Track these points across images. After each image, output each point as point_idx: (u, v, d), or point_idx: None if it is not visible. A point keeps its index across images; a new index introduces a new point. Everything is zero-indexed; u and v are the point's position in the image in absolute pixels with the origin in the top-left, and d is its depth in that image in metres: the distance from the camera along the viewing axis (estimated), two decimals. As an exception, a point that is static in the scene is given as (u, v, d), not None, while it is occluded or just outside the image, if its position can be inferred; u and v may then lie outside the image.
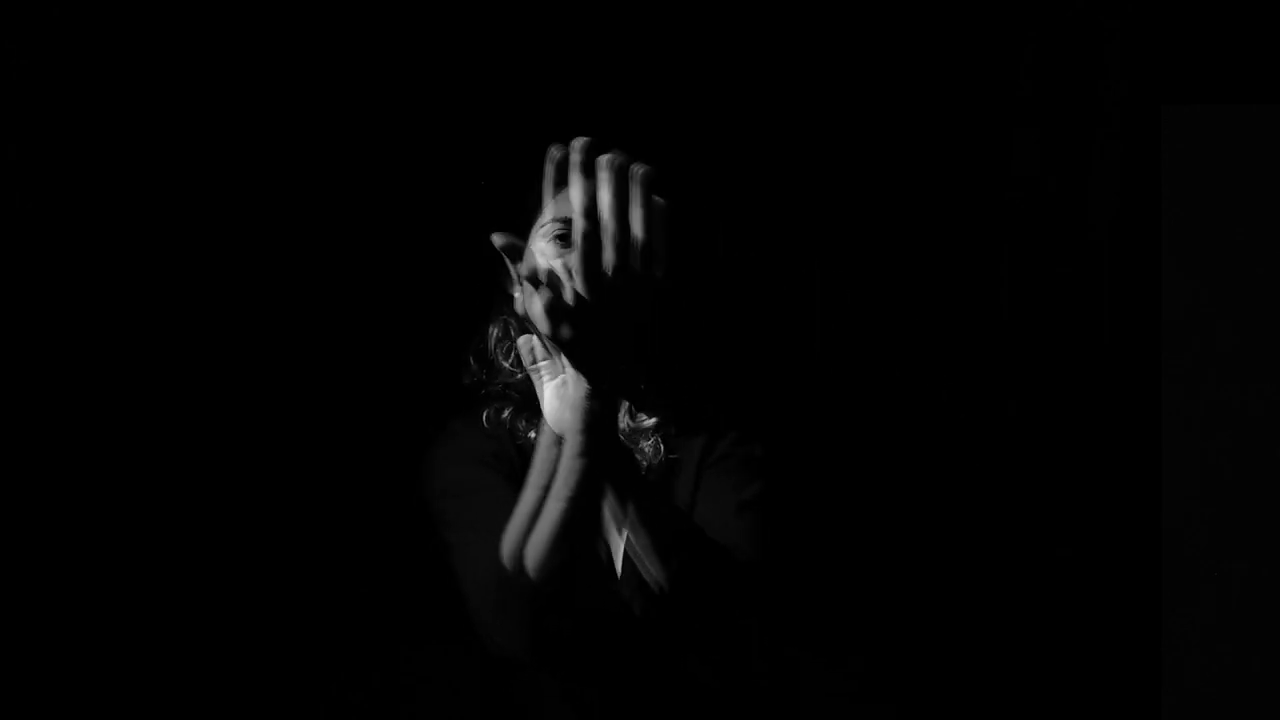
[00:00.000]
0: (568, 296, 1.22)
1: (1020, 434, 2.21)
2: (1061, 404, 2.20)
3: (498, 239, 1.24)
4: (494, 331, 1.60)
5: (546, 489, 1.36)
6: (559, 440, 1.35)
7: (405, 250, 2.16)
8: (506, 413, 1.58)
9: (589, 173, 1.20)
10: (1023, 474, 2.20)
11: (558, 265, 1.23)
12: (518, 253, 1.23)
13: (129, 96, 2.19)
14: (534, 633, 1.37)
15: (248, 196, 2.21)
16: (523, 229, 1.56)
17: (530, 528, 1.36)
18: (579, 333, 1.23)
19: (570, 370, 1.29)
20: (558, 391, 1.37)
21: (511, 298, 1.57)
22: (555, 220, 1.49)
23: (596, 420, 1.30)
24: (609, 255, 1.21)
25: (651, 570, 1.40)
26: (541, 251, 1.51)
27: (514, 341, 1.57)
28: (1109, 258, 2.19)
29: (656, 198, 1.23)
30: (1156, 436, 2.16)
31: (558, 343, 1.25)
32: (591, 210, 1.20)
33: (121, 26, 2.17)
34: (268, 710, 2.20)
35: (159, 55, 2.19)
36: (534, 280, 1.22)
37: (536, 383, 1.39)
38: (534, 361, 1.39)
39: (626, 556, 1.47)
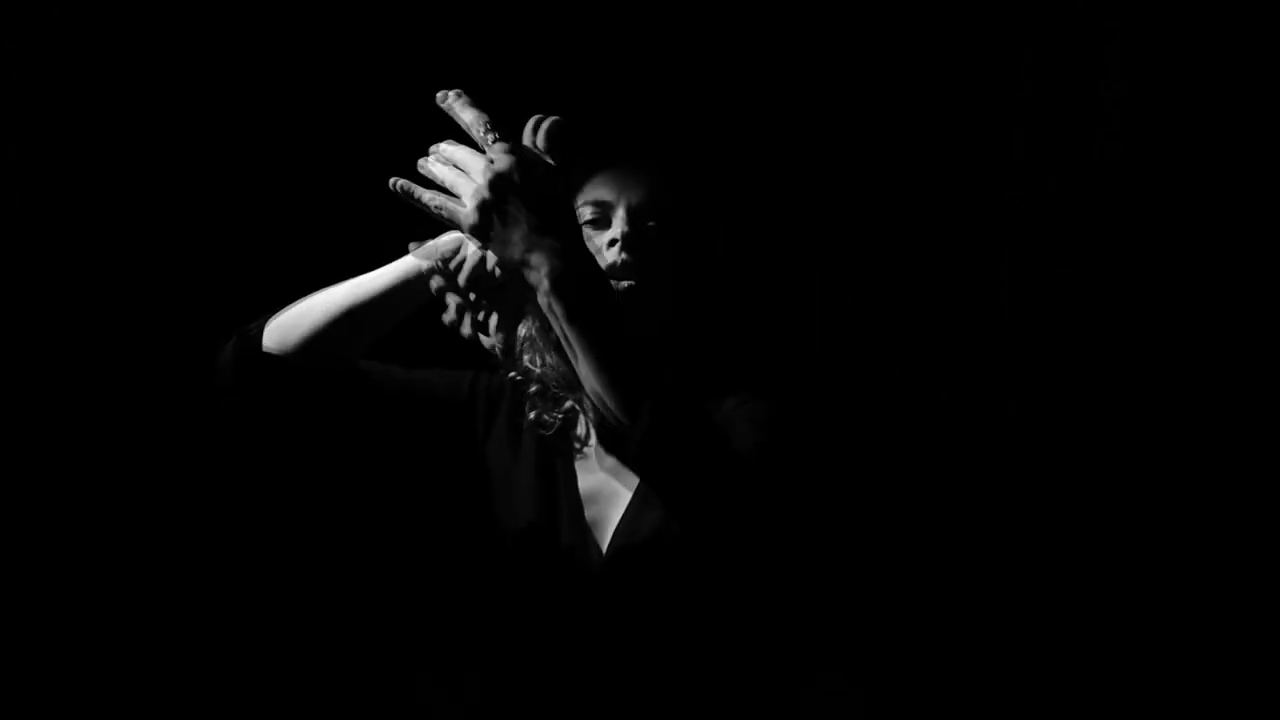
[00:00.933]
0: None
1: (1020, 434, 2.21)
2: (1061, 404, 2.20)
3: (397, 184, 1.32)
4: (521, 332, 1.64)
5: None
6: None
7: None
8: (534, 389, 1.60)
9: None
10: (1023, 474, 2.20)
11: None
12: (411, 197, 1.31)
13: (129, 96, 2.19)
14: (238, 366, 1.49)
15: (261, 195, 2.21)
16: None
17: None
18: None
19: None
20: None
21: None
22: (587, 204, 1.54)
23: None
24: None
25: (612, 409, 1.27)
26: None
27: (540, 344, 1.61)
28: (1109, 258, 2.19)
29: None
30: (1156, 437, 2.17)
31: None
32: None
33: (122, 26, 2.17)
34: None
35: (159, 55, 2.19)
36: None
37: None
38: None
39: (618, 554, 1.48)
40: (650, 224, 1.55)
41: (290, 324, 1.50)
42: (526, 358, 1.63)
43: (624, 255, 1.51)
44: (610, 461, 1.56)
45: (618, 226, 1.54)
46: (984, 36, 2.22)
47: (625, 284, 1.51)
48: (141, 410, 2.20)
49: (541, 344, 1.61)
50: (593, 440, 1.59)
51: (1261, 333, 2.14)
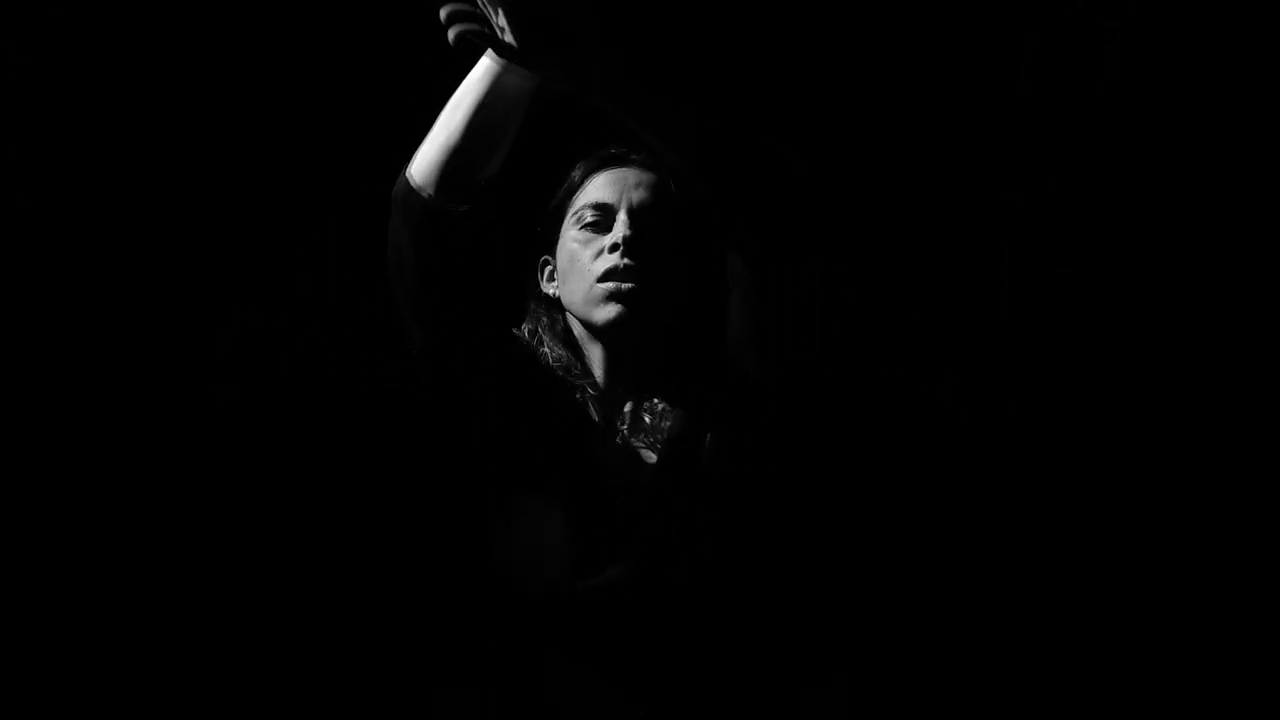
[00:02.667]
0: None
1: (1020, 434, 2.21)
2: (1061, 404, 2.20)
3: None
4: (525, 328, 1.64)
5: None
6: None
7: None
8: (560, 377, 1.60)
9: None
10: (1023, 474, 2.20)
11: None
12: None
13: (129, 96, 2.19)
14: (419, 246, 1.43)
15: (260, 193, 2.22)
16: (554, 216, 1.62)
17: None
18: None
19: None
20: None
21: (544, 296, 1.62)
22: (588, 206, 1.55)
23: None
24: None
25: None
26: (575, 239, 1.57)
27: (544, 341, 1.61)
28: (1109, 257, 2.19)
29: None
30: (1156, 437, 2.16)
31: None
32: None
33: (122, 27, 2.18)
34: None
35: (159, 55, 2.19)
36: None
37: None
38: None
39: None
40: (652, 226, 1.55)
41: (426, 148, 1.45)
42: (537, 352, 1.63)
43: (626, 260, 1.52)
44: (630, 448, 1.56)
45: (619, 230, 1.54)
46: (984, 36, 2.22)
47: (627, 286, 1.51)
48: (145, 413, 2.20)
49: (548, 337, 1.62)
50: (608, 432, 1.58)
51: (1262, 333, 2.14)
